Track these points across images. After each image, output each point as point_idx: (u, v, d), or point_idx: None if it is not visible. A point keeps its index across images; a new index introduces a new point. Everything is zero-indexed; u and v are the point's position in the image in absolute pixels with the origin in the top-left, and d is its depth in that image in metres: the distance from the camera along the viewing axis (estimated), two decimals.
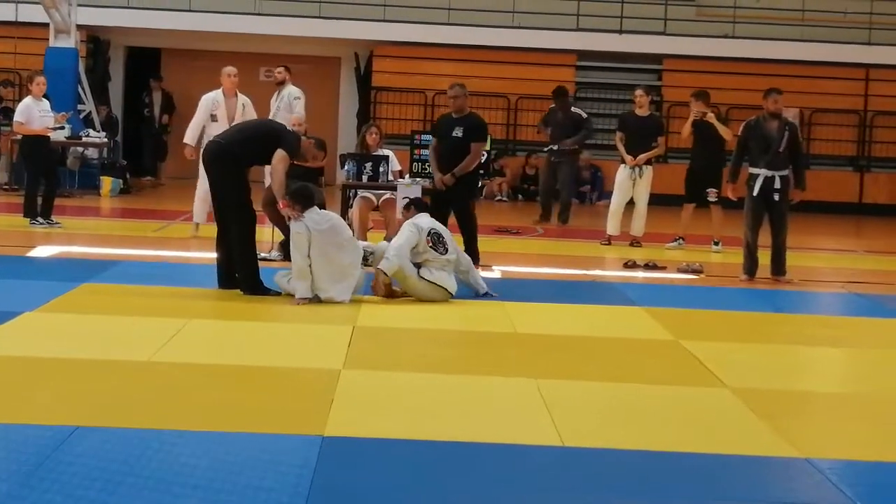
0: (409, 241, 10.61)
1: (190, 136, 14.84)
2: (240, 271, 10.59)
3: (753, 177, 12.91)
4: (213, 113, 14.76)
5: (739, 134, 13.35)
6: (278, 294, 10.49)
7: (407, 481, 5.59)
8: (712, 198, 15.69)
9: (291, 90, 16.62)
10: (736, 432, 6.76)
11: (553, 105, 18.90)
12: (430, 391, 7.41)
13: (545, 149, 18.83)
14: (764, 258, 13.10)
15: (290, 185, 10.55)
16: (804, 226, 19.82)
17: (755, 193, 12.86)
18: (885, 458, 6.35)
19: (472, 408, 7.03)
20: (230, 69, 15.04)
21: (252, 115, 14.75)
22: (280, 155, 10.52)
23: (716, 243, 15.78)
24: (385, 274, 10.46)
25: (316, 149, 11.06)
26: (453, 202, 12.46)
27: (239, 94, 14.90)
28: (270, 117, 15.73)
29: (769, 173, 12.82)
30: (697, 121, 15.75)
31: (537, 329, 9.76)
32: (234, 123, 14.38)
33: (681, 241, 16.00)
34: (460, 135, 12.64)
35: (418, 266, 10.62)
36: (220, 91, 14.93)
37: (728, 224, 15.79)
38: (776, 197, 12.81)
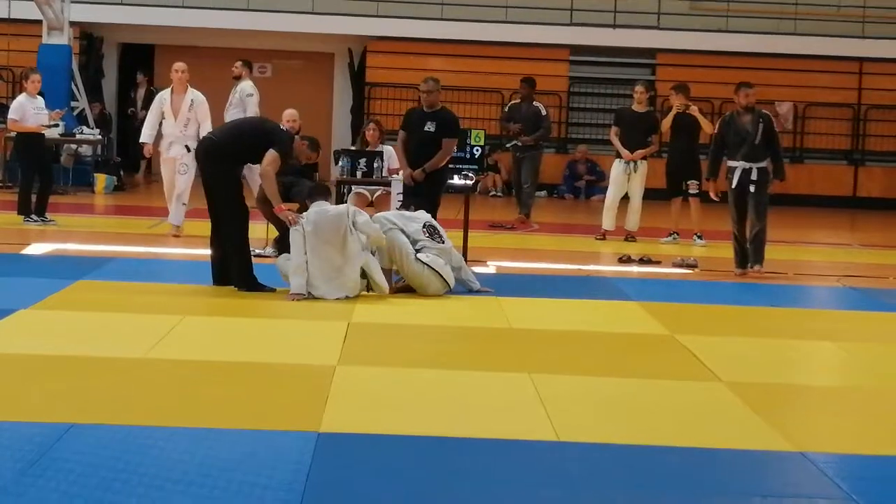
0: (398, 214, 10.79)
1: (146, 135, 14.83)
2: (234, 268, 10.58)
3: (731, 170, 12.98)
4: (163, 110, 14.65)
5: (716, 131, 13.42)
6: (272, 290, 10.48)
7: (402, 477, 5.59)
8: (693, 190, 15.74)
9: (244, 86, 16.43)
10: (731, 426, 6.76)
11: (517, 101, 18.66)
12: (425, 387, 7.41)
13: (508, 144, 18.58)
14: None
15: (281, 183, 10.55)
16: (799, 220, 19.86)
17: (733, 186, 12.91)
18: (881, 451, 6.35)
19: (468, 403, 7.03)
20: (178, 64, 14.86)
21: (203, 110, 14.55)
22: (271, 156, 10.47)
23: (699, 237, 15.77)
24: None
25: (309, 150, 11.04)
26: (421, 198, 12.05)
27: (189, 90, 14.66)
28: (224, 112, 15.66)
29: (746, 165, 12.86)
30: (680, 113, 15.80)
31: (532, 324, 9.76)
32: (181, 119, 14.43)
33: (675, 235, 16.01)
34: (433, 129, 12.51)
35: (416, 251, 10.65)
36: (169, 88, 14.79)
37: (710, 217, 15.80)
38: (752, 188, 12.83)
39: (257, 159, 10.76)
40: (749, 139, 12.84)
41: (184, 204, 14.61)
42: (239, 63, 17.09)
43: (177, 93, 14.65)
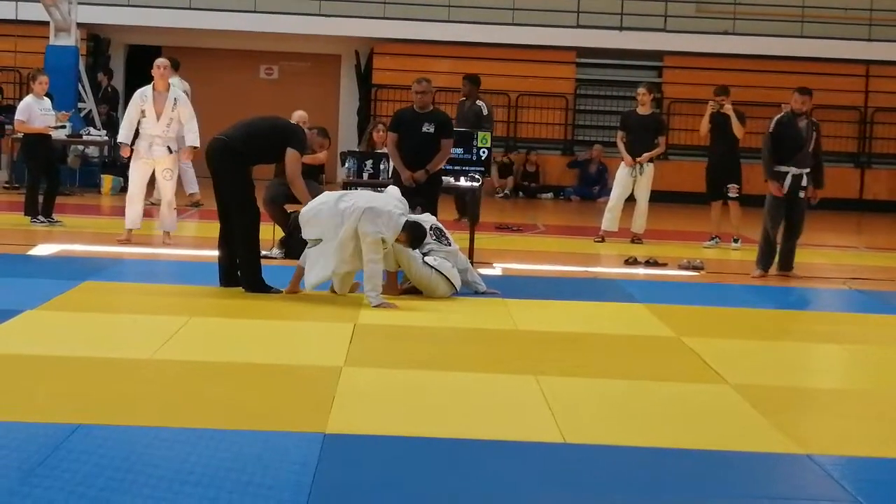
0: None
1: (123, 135, 13.99)
2: (242, 269, 10.58)
3: (782, 175, 12.88)
4: (143, 109, 13.84)
5: (772, 130, 13.03)
6: (279, 292, 10.49)
7: (408, 478, 5.59)
8: (733, 193, 15.57)
9: (173, 81, 15.73)
10: (738, 429, 6.76)
11: (463, 99, 17.97)
12: (432, 388, 7.41)
13: None
14: None
15: (287, 186, 10.57)
16: (805, 222, 19.80)
17: (786, 192, 12.85)
18: (887, 454, 6.35)
19: (474, 405, 7.03)
20: (161, 60, 14.19)
21: (187, 108, 13.97)
22: (293, 157, 10.46)
23: (735, 241, 15.68)
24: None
25: (320, 137, 11.00)
26: (420, 199, 11.85)
27: (172, 87, 14.16)
28: None
29: (797, 171, 12.85)
30: (715, 113, 15.62)
31: (539, 326, 9.75)
32: (164, 118, 13.81)
33: (717, 239, 15.84)
34: (431, 130, 12.38)
35: (423, 255, 10.64)
36: (150, 86, 14.03)
37: (746, 221, 15.68)
38: (801, 194, 12.86)
39: (270, 159, 10.71)
40: (805, 145, 12.84)
41: (174, 209, 14.18)
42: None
43: (158, 90, 13.96)
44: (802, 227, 13.08)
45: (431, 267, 10.61)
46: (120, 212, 18.45)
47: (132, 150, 14.07)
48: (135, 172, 14.11)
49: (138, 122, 13.92)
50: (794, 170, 12.87)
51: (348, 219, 10.00)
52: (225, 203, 10.64)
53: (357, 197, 10.32)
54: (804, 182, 12.88)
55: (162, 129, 13.91)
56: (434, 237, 10.76)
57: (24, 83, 22.40)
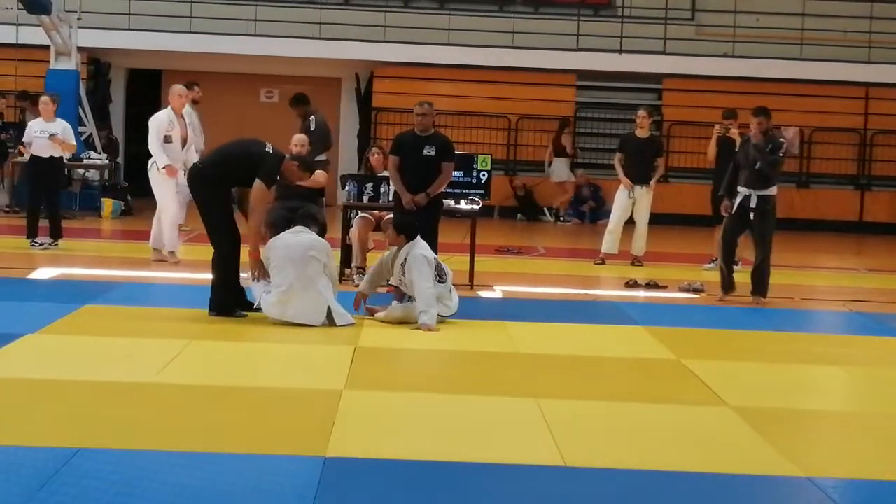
0: (430, 278, 10.51)
1: (165, 158, 14.07)
2: (213, 291, 10.53)
3: (737, 194, 12.83)
4: (168, 133, 14.13)
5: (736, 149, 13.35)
6: (244, 316, 10.43)
7: (409, 502, 5.58)
8: None
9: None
10: (738, 451, 6.75)
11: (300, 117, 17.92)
12: (432, 411, 7.41)
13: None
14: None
15: (287, 208, 10.53)
16: (806, 244, 19.83)
17: (733, 211, 12.79)
18: (888, 476, 6.34)
19: (474, 428, 7.02)
20: (180, 88, 14.52)
21: (197, 126, 14.55)
22: (257, 188, 10.33)
23: (735, 263, 15.58)
24: (432, 328, 10.27)
25: (300, 171, 10.75)
26: (421, 222, 11.62)
27: (184, 113, 14.54)
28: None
29: (747, 191, 12.72)
30: (721, 137, 15.62)
31: (539, 349, 9.76)
32: (187, 143, 14.30)
33: (717, 261, 15.80)
34: (433, 153, 12.39)
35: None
36: (170, 111, 14.30)
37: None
38: (751, 216, 12.67)
39: (244, 183, 10.58)
40: (750, 164, 12.68)
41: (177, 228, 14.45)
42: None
43: (179, 115, 14.37)
44: (764, 247, 12.68)
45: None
46: (119, 235, 18.54)
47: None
48: (169, 195, 14.26)
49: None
50: (744, 190, 12.78)
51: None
52: (206, 226, 10.60)
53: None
54: (752, 202, 12.72)
55: (185, 153, 14.34)
56: (438, 278, 10.57)
57: (23, 107, 22.41)
